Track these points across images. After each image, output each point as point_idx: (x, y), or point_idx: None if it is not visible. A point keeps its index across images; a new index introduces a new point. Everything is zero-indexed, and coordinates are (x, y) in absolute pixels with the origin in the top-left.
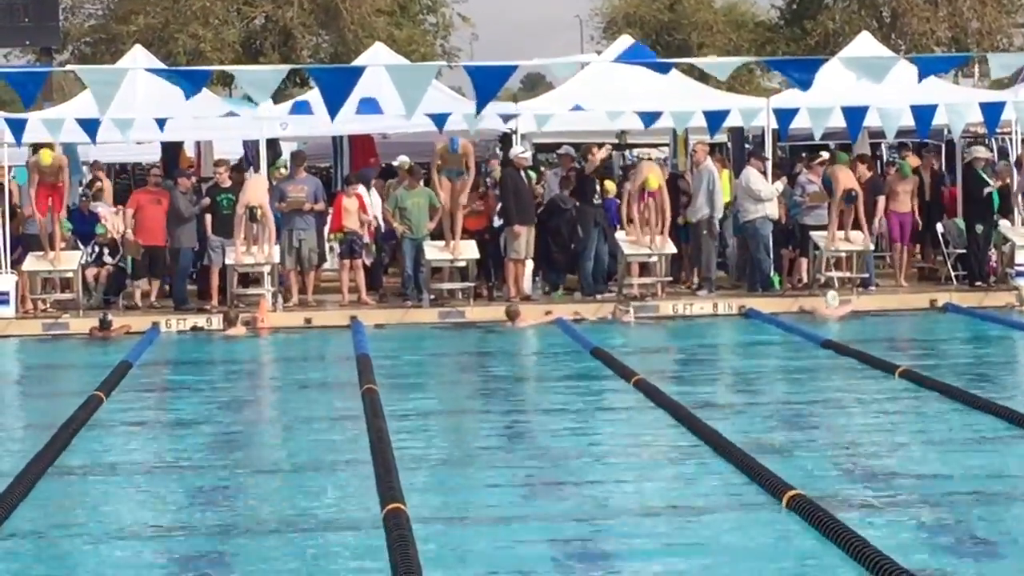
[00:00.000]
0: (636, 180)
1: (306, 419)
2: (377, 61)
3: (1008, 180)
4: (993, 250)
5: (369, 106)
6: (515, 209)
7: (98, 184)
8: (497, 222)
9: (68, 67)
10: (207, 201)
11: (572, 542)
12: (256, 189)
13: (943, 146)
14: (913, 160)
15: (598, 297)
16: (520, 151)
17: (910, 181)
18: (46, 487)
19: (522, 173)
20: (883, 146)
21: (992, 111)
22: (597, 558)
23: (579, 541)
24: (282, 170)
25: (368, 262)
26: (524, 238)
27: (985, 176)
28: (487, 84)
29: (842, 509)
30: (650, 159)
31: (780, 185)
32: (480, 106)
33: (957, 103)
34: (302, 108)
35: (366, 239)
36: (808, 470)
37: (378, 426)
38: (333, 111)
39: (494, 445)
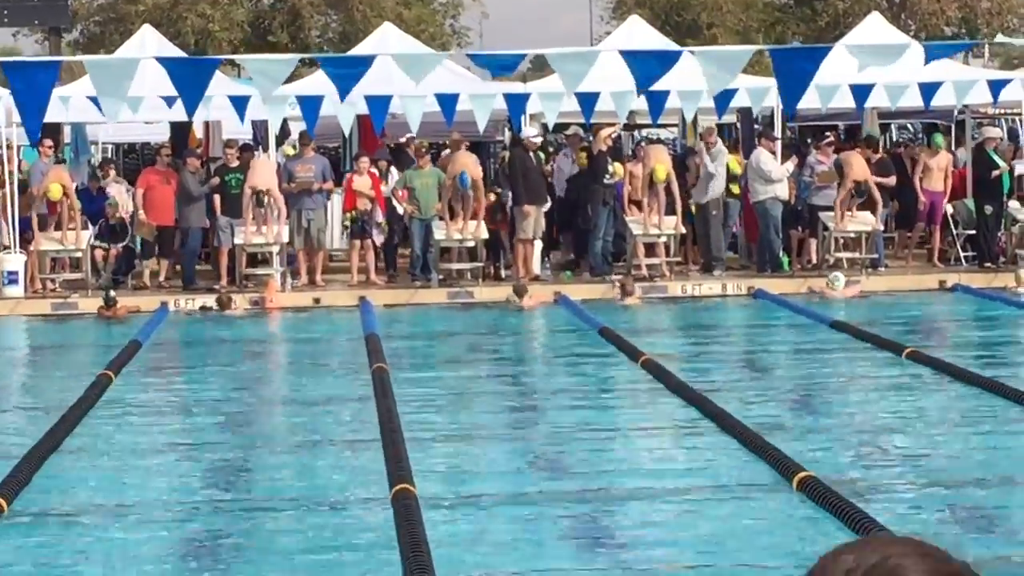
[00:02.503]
0: (645, 166)
1: (315, 399)
2: (386, 42)
3: (1011, 161)
4: (1003, 231)
5: (378, 105)
6: (524, 189)
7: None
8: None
9: (78, 57)
10: (216, 181)
11: (580, 523)
12: (263, 173)
13: (952, 127)
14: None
15: (607, 278)
16: (532, 133)
17: (944, 157)
18: (56, 466)
19: (531, 154)
20: (892, 127)
21: (998, 87)
22: (605, 539)
23: (587, 522)
24: (290, 150)
25: (379, 240)
26: (533, 218)
27: (996, 157)
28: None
29: (852, 490)
30: (659, 141)
31: (790, 166)
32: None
33: (964, 79)
34: (311, 104)
35: (379, 218)
36: (817, 451)
37: (387, 406)
38: (343, 95)
39: (502, 425)
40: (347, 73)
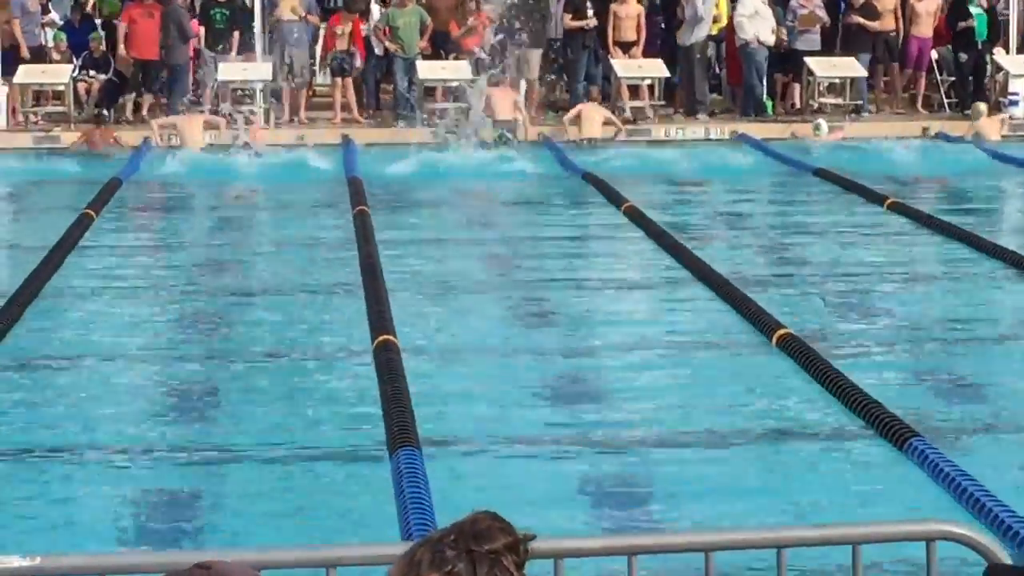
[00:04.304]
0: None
1: (297, 241)
2: None
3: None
4: (988, 78)
5: None
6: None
7: None
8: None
9: None
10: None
11: (560, 376)
12: None
13: None
14: None
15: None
16: None
17: (932, 2)
18: (39, 310)
19: None
20: None
21: None
22: (585, 393)
23: (567, 376)
24: None
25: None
26: (535, 61)
27: (971, 7)
28: None
29: (830, 347)
30: None
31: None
32: None
33: None
34: None
35: (357, 62)
36: (797, 306)
37: (368, 252)
38: None
39: (483, 272)
40: None
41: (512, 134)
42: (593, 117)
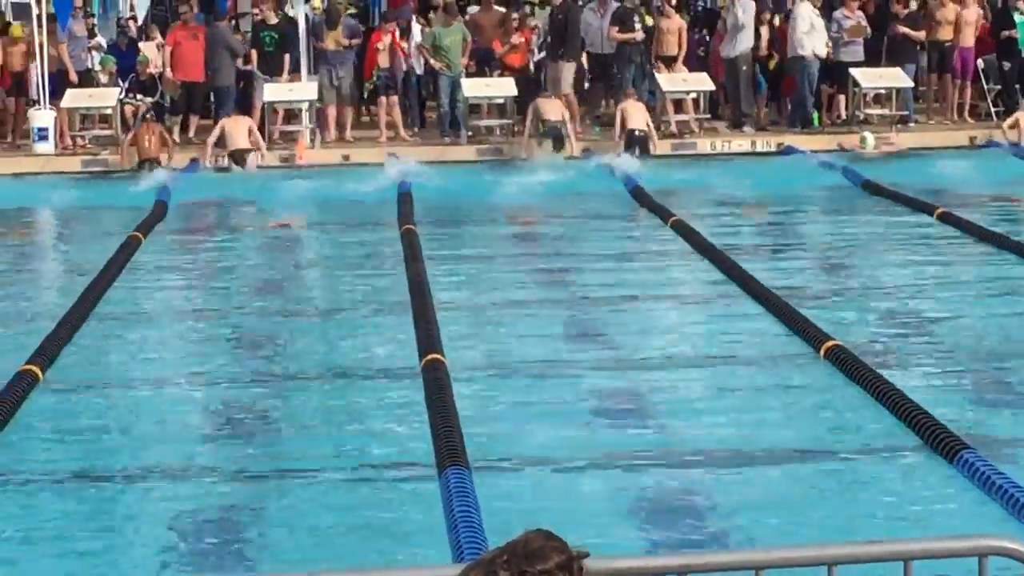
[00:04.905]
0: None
1: (345, 259)
2: None
3: None
4: None
5: None
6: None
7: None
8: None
9: None
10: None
11: (608, 393)
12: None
13: None
14: None
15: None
16: None
17: (973, 11)
18: (88, 334)
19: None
20: None
21: None
22: (633, 408)
23: (615, 392)
24: (317, 2)
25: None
26: (569, 75)
27: (1016, 16)
28: None
29: (879, 360)
30: None
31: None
32: None
33: None
34: None
35: (401, 74)
36: (845, 318)
37: (416, 270)
38: None
39: (531, 287)
40: None
41: (563, 135)
42: (634, 114)
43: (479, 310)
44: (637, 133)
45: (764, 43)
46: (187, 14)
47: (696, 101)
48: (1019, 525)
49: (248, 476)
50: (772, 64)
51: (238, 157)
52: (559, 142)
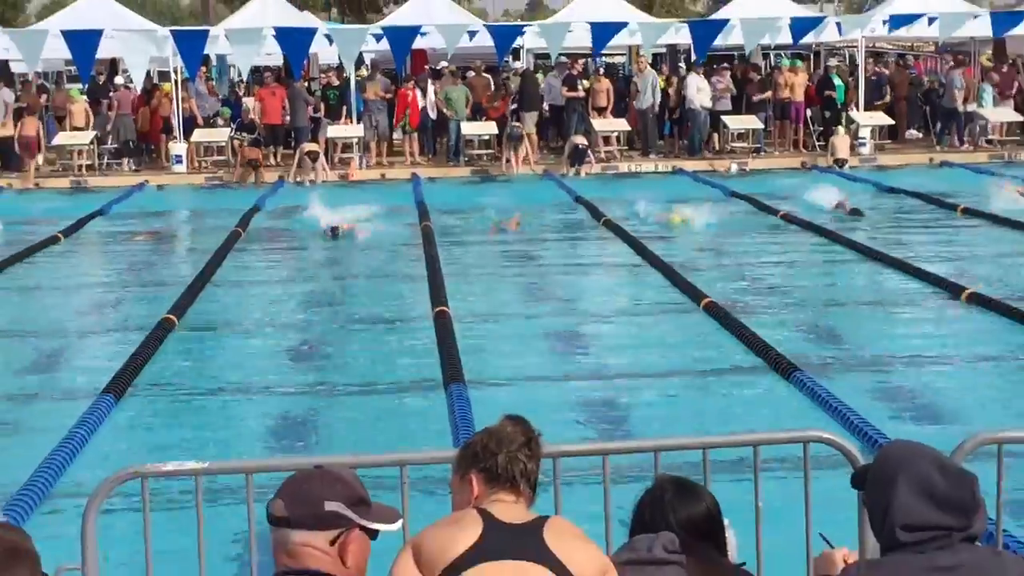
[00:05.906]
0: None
1: (383, 243)
2: (428, 9)
3: (847, 78)
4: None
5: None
6: (528, 101)
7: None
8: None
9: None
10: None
11: (558, 333)
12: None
13: (811, 56)
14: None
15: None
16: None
17: (802, 78)
18: (208, 295)
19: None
20: (771, 55)
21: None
22: (576, 343)
23: (563, 332)
24: (364, 72)
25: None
26: (532, 120)
27: (835, 78)
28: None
29: (740, 311)
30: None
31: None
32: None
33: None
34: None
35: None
36: (717, 282)
37: (430, 250)
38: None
39: (508, 260)
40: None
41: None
42: (577, 140)
43: (474, 277)
44: (580, 147)
45: (673, 98)
46: (268, 78)
47: (618, 137)
48: (833, 422)
49: (313, 390)
50: (676, 113)
51: (312, 155)
52: (579, 161)
